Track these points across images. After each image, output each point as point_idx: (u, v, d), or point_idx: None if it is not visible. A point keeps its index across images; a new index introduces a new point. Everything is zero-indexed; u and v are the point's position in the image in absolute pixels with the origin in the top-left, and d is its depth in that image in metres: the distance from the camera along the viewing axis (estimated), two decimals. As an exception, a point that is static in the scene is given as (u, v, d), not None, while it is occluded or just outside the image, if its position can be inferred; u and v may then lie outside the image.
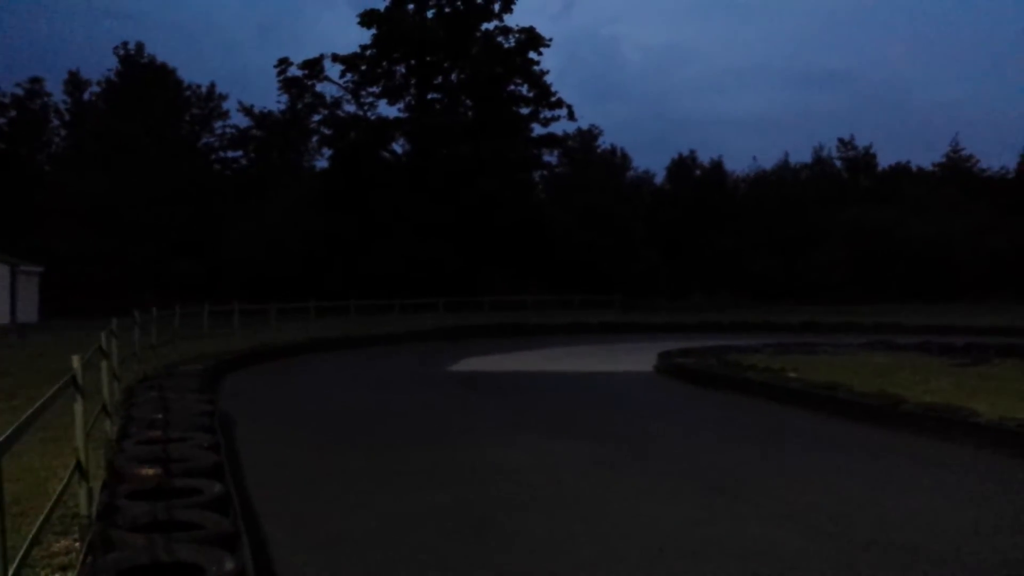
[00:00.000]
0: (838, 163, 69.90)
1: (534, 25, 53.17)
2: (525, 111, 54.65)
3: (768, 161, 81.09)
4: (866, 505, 7.06)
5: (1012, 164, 67.34)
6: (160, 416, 8.51)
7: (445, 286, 43.43)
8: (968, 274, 52.24)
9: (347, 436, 10.61)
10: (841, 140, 69.81)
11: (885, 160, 70.94)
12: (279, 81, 51.83)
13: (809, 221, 56.77)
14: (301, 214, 46.04)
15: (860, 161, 69.20)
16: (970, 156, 67.63)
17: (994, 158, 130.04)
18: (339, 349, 24.11)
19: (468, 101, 54.59)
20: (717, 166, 66.07)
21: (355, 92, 53.11)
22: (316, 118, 53.89)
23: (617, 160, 67.85)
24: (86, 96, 53.26)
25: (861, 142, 70.03)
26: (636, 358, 20.77)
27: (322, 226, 46.13)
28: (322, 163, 56.71)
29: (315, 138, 55.40)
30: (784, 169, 68.15)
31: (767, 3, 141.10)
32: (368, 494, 7.58)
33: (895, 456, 9.20)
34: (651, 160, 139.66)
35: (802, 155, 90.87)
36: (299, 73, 51.64)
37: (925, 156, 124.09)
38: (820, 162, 69.21)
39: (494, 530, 6.42)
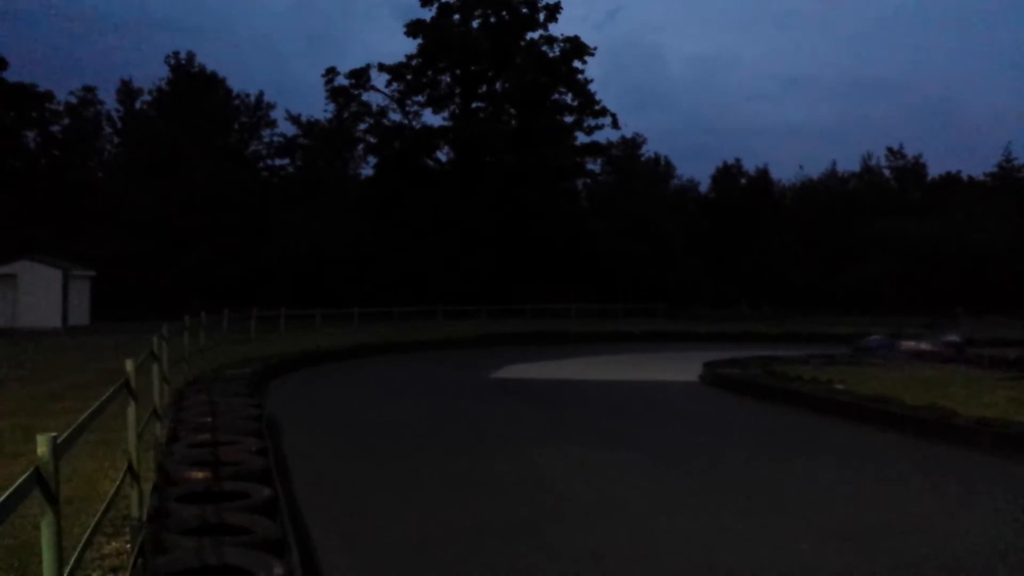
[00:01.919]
0: (887, 172, 68.83)
1: (578, 34, 53.16)
2: (569, 120, 54.64)
3: (815, 170, 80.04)
4: (919, 522, 6.92)
5: (1066, 174, 65.74)
6: (209, 420, 8.61)
7: (488, 293, 43.54)
8: (1020, 286, 51.04)
9: (392, 442, 10.65)
10: (890, 149, 68.72)
11: (935, 169, 69.83)
12: (326, 90, 52.41)
13: (857, 231, 55.89)
14: (346, 221, 46.46)
15: (909, 170, 68.06)
16: (1023, 166, 66.22)
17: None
18: (383, 355, 24.24)
19: (512, 110, 54.68)
20: (763, 175, 65.41)
21: (400, 101, 53.53)
22: (362, 127, 54.36)
23: (661, 168, 67.49)
24: (138, 105, 54.31)
25: (911, 151, 68.99)
26: (680, 368, 20.60)
27: (366, 233, 46.48)
28: (367, 171, 57.26)
29: (361, 146, 55.89)
30: (831, 178, 67.26)
31: (813, 11, 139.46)
32: (413, 501, 7.60)
33: (948, 471, 9.00)
34: (695, 169, 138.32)
35: (850, 164, 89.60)
36: (346, 82, 52.18)
37: (976, 166, 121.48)
38: (868, 171, 68.15)
39: (538, 540, 6.39)
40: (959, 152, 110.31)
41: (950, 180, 67.16)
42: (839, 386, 14.53)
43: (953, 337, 24.17)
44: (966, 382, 15.36)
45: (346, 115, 53.82)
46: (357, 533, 6.60)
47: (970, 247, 51.83)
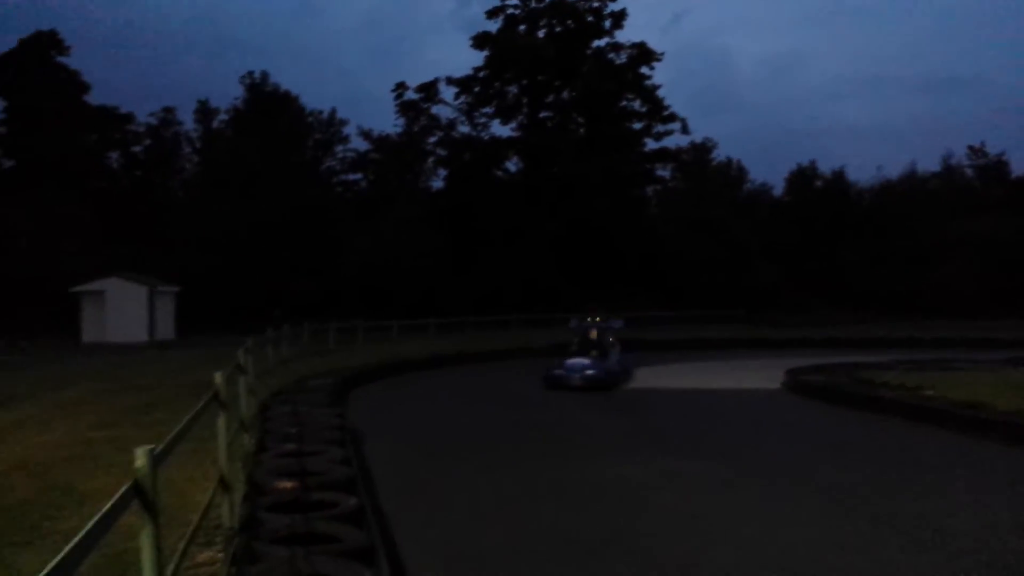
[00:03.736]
0: (968, 171, 66.74)
1: (644, 39, 52.84)
2: (637, 126, 54.30)
3: (894, 171, 77.94)
4: (1015, 531, 6.64)
5: None
6: (294, 430, 8.72)
7: (560, 302, 43.43)
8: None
9: (473, 451, 10.65)
10: (971, 147, 66.59)
11: (1019, 167, 67.48)
12: (396, 105, 53.10)
13: (938, 232, 54.26)
14: (417, 233, 46.91)
15: (992, 169, 65.87)
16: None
17: None
18: (459, 364, 24.35)
19: (580, 118, 54.60)
20: (839, 176, 63.92)
21: (469, 113, 53.90)
22: (432, 140, 54.93)
23: (733, 173, 66.54)
24: (215, 124, 55.65)
25: (992, 149, 66.72)
26: (761, 375, 20.23)
27: (438, 245, 46.85)
28: (438, 183, 57.76)
29: (431, 159, 56.44)
30: (911, 178, 65.42)
31: (885, 8, 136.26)
32: (496, 509, 7.58)
33: (1050, 479, 8.63)
34: (768, 172, 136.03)
35: (930, 164, 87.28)
36: (415, 96, 52.78)
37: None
38: (949, 171, 66.14)
39: (627, 551, 6.30)
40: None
41: (1035, 177, 64.79)
42: (929, 392, 14.07)
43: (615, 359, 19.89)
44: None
45: (416, 129, 54.45)
46: (443, 541, 6.60)
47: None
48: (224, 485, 5.76)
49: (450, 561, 6.12)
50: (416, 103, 53.16)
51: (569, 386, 17.66)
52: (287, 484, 6.30)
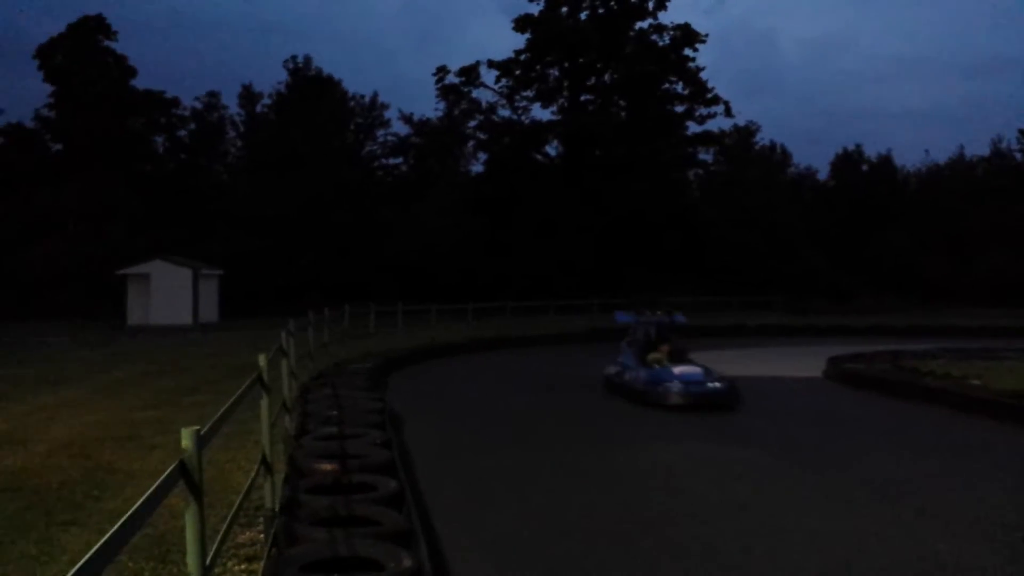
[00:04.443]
0: (1019, 156, 65.15)
1: (688, 21, 52.13)
2: (680, 109, 53.72)
3: (942, 155, 76.47)
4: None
5: None
6: (334, 413, 8.79)
7: (598, 288, 43.30)
8: None
9: (511, 436, 10.68)
10: (1021, 131, 64.98)
11: (1072, 151, 65.46)
12: (437, 89, 53.04)
13: (987, 218, 53.11)
14: (457, 218, 46.97)
15: (1043, 154, 64.22)
16: None
17: None
18: (497, 349, 24.40)
19: (621, 101, 54.13)
20: (885, 160, 62.78)
21: (509, 97, 53.70)
22: (472, 124, 54.86)
23: (777, 157, 65.60)
24: (258, 108, 56.04)
25: (1044, 133, 64.94)
26: (803, 363, 20.00)
27: (477, 229, 46.87)
28: (478, 167, 57.72)
29: (471, 143, 56.40)
30: (959, 163, 64.06)
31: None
32: (534, 494, 7.59)
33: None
34: (813, 156, 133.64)
35: (979, 148, 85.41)
36: (456, 80, 52.70)
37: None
38: (999, 155, 64.62)
39: (662, 537, 6.29)
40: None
41: (1088, 161, 63.04)
42: (975, 381, 13.82)
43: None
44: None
45: (456, 113, 54.40)
46: (481, 525, 6.63)
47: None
48: (267, 466, 5.82)
49: (486, 545, 6.15)
50: (457, 87, 53.07)
51: (669, 404, 13.25)
52: (327, 466, 6.36)
